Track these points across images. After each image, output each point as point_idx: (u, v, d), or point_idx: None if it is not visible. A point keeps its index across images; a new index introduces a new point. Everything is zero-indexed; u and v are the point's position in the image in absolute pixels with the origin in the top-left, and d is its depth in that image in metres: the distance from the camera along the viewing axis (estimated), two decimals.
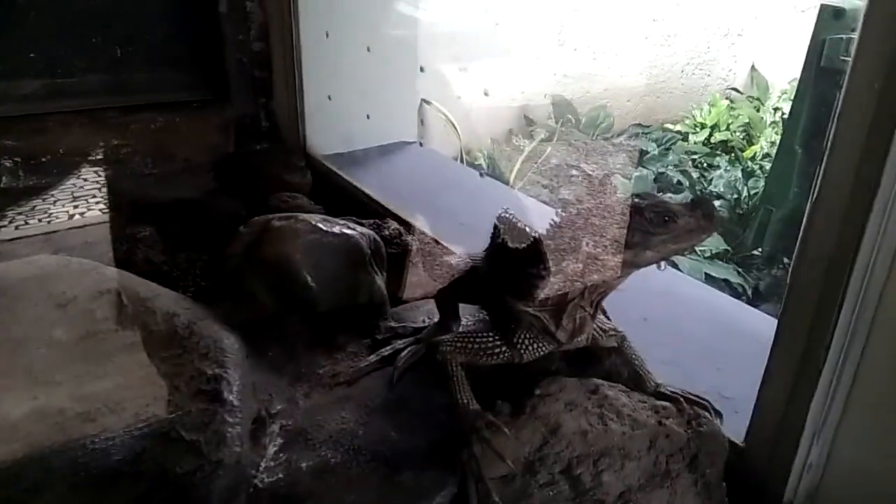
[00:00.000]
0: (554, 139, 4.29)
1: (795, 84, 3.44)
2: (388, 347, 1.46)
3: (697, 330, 1.69)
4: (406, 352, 1.43)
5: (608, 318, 1.40)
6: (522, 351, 1.20)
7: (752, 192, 3.60)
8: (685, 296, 1.87)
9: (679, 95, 4.83)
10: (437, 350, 1.20)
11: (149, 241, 2.00)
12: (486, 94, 3.52)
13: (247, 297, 1.53)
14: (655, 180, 3.89)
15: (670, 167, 4.02)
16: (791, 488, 1.21)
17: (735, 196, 3.62)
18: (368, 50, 2.52)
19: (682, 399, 1.29)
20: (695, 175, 3.98)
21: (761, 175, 3.70)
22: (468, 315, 1.53)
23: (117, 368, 1.24)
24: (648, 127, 4.60)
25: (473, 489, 1.12)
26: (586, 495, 1.14)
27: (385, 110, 2.76)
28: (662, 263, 1.14)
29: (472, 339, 1.21)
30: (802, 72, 3.20)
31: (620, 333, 1.31)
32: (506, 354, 1.21)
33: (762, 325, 1.62)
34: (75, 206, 2.23)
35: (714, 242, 3.18)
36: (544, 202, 3.24)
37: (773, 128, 4.33)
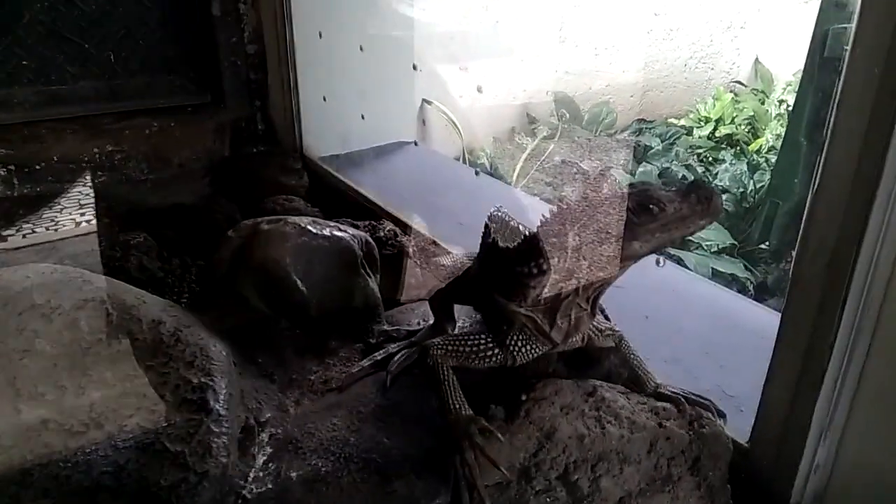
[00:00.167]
0: (556, 137, 4.25)
1: (800, 76, 3.40)
2: (381, 352, 1.43)
3: (700, 327, 1.65)
4: (399, 356, 1.39)
5: (607, 317, 1.37)
6: (515, 353, 1.16)
7: (758, 185, 3.56)
8: (687, 292, 1.83)
9: (682, 90, 4.78)
10: (427, 354, 1.16)
11: (144, 247, 1.97)
12: (479, 90, 3.48)
13: (236, 302, 1.49)
14: (660, 175, 3.84)
15: (675, 162, 3.97)
16: (798, 489, 1.17)
17: (741, 190, 3.57)
18: (361, 49, 2.49)
19: (683, 399, 1.25)
20: (700, 170, 3.93)
21: (767, 168, 3.65)
22: (464, 317, 1.50)
23: (101, 379, 1.20)
24: (652, 122, 4.55)
25: (467, 497, 1.08)
26: (584, 502, 1.11)
27: (381, 110, 2.73)
28: (661, 259, 1.11)
29: (462, 342, 1.17)
30: (806, 63, 3.16)
31: (618, 332, 1.27)
32: (498, 357, 1.17)
33: (767, 320, 1.57)
34: (82, 214, 2.21)
35: (720, 237, 3.14)
36: (548, 200, 3.20)
37: (779, 120, 4.28)
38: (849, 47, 0.96)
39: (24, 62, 2.32)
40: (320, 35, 2.45)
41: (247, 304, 1.50)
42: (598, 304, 1.18)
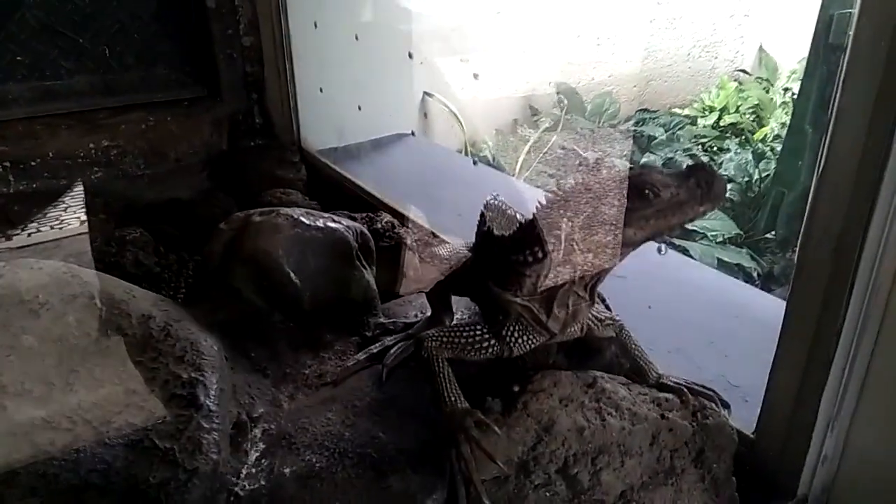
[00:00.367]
0: (559, 128, 4.21)
1: (804, 64, 3.36)
2: (377, 345, 1.40)
3: (704, 316, 1.62)
4: (396, 348, 1.36)
5: (608, 306, 1.34)
6: (512, 344, 1.13)
7: (764, 174, 3.52)
8: (691, 281, 1.79)
9: (686, 79, 4.73)
10: (422, 346, 1.13)
11: (140, 242, 1.95)
12: (475, 76, 3.45)
13: (229, 295, 1.47)
14: (664, 166, 3.81)
15: (679, 152, 3.93)
16: (805, 481, 1.14)
17: (746, 179, 3.53)
18: (357, 38, 2.45)
19: (686, 390, 1.22)
20: (704, 159, 3.89)
21: (772, 157, 3.61)
22: (463, 309, 1.47)
23: (89, 375, 1.18)
24: (656, 112, 4.50)
25: (463, 492, 1.05)
26: (584, 495, 1.08)
27: (378, 101, 2.69)
28: (662, 247, 1.07)
29: (458, 333, 1.14)
30: (811, 50, 3.11)
31: (618, 322, 1.24)
32: (495, 348, 1.13)
33: (772, 308, 1.54)
34: (86, 213, 2.19)
35: (726, 227, 3.11)
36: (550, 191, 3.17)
37: (783, 109, 4.23)
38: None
39: (18, 57, 2.30)
40: (315, 25, 2.42)
41: (239, 298, 1.47)
42: (596, 292, 1.15)
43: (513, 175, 3.71)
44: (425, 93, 3.48)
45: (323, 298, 1.47)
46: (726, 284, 1.87)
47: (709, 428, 1.17)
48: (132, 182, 2.45)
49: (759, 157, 3.65)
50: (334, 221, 1.55)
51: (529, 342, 1.13)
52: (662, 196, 0.98)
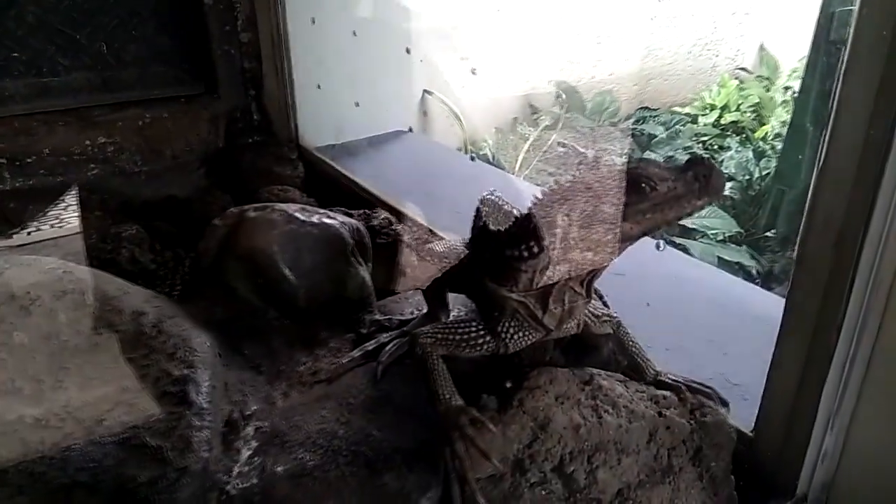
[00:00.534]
0: (559, 126, 4.20)
1: (805, 62, 3.34)
2: (372, 342, 1.38)
3: (703, 314, 1.61)
4: (391, 345, 1.34)
5: (606, 303, 1.32)
6: (507, 340, 1.11)
7: (764, 172, 3.50)
8: (690, 278, 1.77)
9: (687, 77, 4.71)
10: (416, 342, 1.11)
11: (136, 239, 1.94)
12: (473, 72, 3.43)
13: (223, 292, 1.45)
14: None
15: (679, 150, 3.92)
16: (805, 479, 1.13)
17: (746, 177, 3.52)
18: (355, 35, 2.44)
19: (684, 387, 1.20)
20: (705, 157, 3.87)
21: (773, 155, 3.60)
22: (459, 306, 1.46)
23: (80, 372, 1.17)
24: (656, 110, 4.48)
25: (458, 491, 1.04)
26: (580, 494, 1.06)
27: (376, 97, 2.68)
28: (661, 243, 1.05)
29: (453, 330, 1.12)
30: (812, 48, 3.10)
31: (615, 318, 1.22)
32: (490, 345, 1.12)
33: (772, 306, 1.52)
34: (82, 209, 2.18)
35: (726, 225, 3.10)
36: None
37: (784, 107, 4.22)
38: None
39: (15, 54, 2.28)
40: (313, 21, 2.41)
41: (234, 294, 1.46)
42: (592, 288, 1.13)
43: (512, 173, 3.69)
44: (425, 91, 3.46)
45: (318, 295, 1.46)
46: (726, 282, 1.86)
47: (707, 426, 1.16)
48: (129, 179, 2.43)
49: (759, 155, 3.64)
50: (330, 217, 1.54)
51: (525, 339, 1.12)
52: (659, 190, 0.96)
